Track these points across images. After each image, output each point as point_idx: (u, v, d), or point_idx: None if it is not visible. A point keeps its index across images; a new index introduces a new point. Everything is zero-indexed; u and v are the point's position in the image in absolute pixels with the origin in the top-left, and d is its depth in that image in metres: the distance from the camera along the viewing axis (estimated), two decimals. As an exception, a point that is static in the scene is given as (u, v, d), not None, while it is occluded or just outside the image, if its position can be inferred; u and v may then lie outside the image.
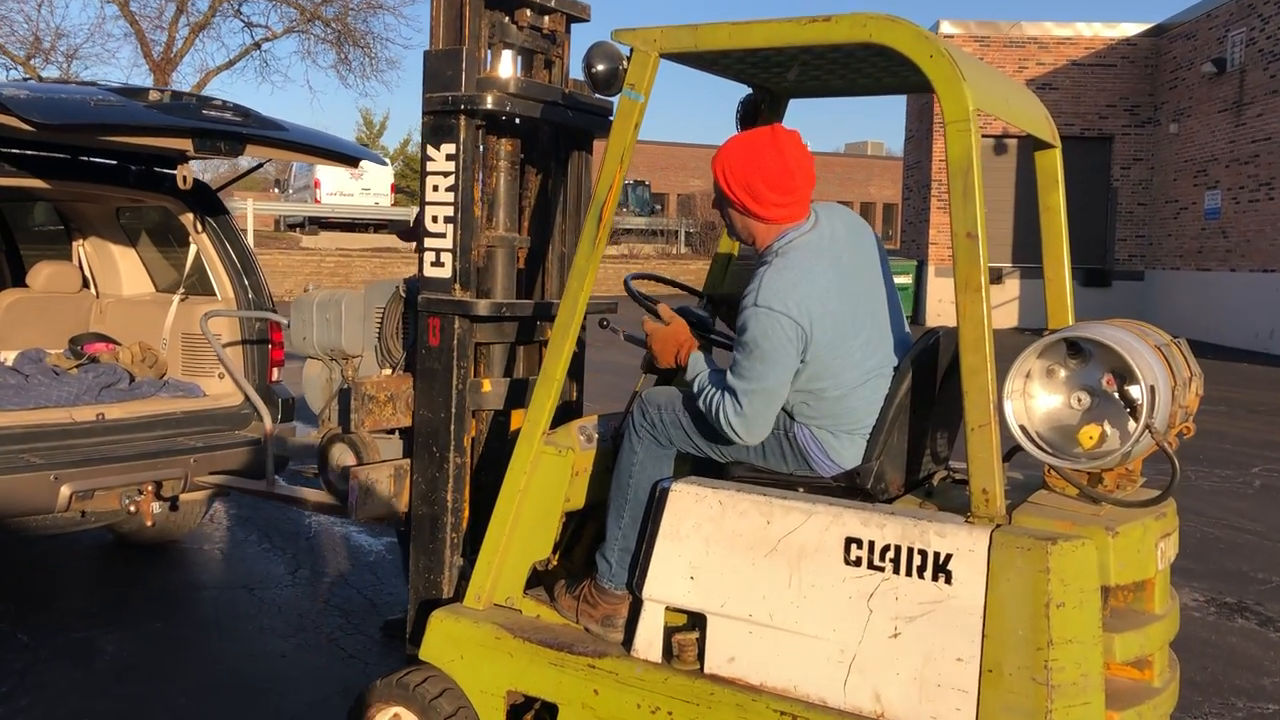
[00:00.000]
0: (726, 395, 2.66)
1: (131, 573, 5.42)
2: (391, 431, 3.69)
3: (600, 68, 2.93)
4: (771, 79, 3.34)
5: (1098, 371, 2.42)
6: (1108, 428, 2.41)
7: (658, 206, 36.89)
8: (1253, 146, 16.68)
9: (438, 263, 3.31)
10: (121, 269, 6.00)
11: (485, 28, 3.35)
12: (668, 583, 2.74)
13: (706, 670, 2.68)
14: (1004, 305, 19.72)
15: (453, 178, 3.27)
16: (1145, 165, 19.83)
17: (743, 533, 2.63)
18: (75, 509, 4.39)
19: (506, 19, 3.41)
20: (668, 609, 2.77)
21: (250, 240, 22.58)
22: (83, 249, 6.08)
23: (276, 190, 33.98)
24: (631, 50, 2.86)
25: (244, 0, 26.46)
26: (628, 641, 2.83)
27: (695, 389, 2.80)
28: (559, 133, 3.61)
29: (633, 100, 2.87)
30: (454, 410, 3.29)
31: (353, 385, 3.37)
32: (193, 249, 5.46)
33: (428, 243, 3.33)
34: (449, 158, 3.27)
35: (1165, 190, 19.38)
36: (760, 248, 2.78)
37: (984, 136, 16.28)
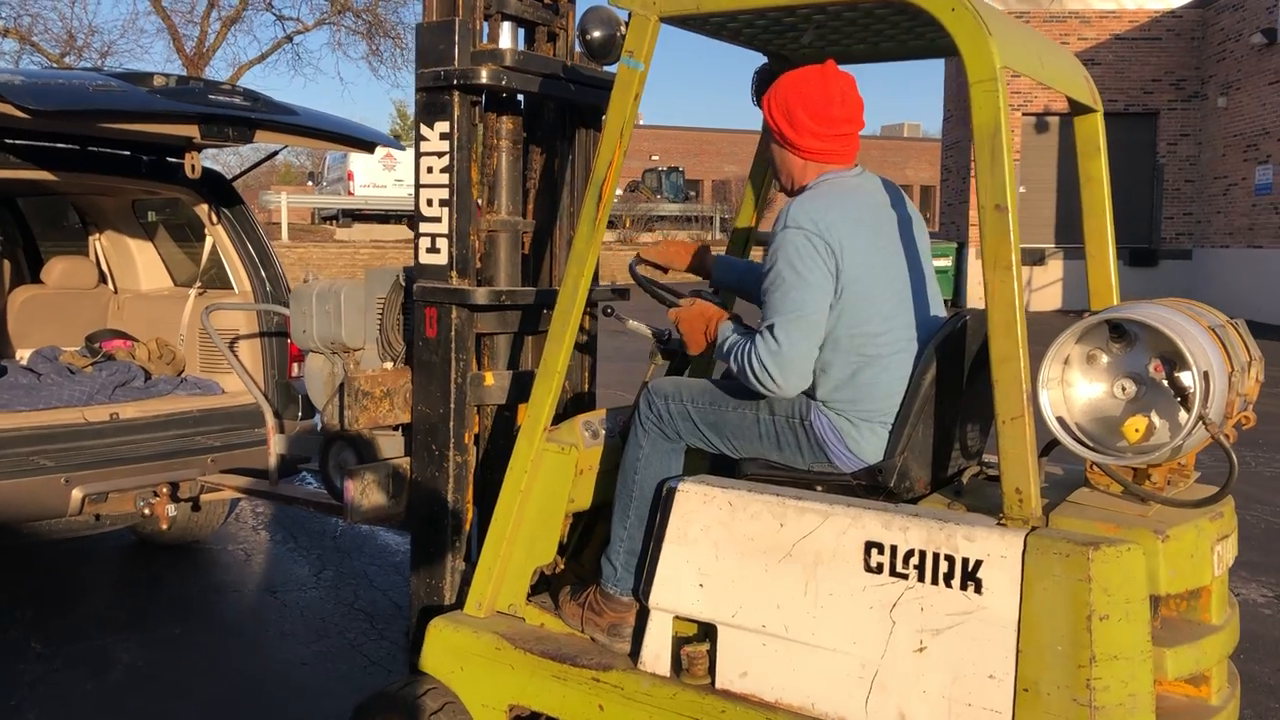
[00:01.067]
0: (759, 338, 2.45)
1: (152, 575, 5.28)
2: (396, 428, 3.51)
3: (596, 34, 2.72)
4: (787, 45, 3.11)
5: (1144, 357, 2.18)
6: (1156, 419, 2.17)
7: (692, 193, 36.61)
8: (1306, 119, 16.12)
9: (433, 249, 3.13)
10: (139, 263, 5.86)
11: (480, -2, 3.15)
12: (675, 590, 2.54)
13: (718, 685, 2.47)
14: (1047, 287, 19.27)
15: (447, 158, 3.08)
16: (1192, 141, 19.25)
17: (754, 536, 2.42)
18: (88, 512, 4.25)
19: (504, -11, 3.20)
20: (676, 618, 2.57)
21: (284, 234, 22.77)
22: (99, 244, 5.96)
23: (310, 183, 34.09)
24: (630, 14, 2.65)
25: (275, -6, 26.48)
26: (635, 653, 2.64)
27: (726, 352, 2.59)
28: (565, 109, 3.40)
29: (632, 69, 2.66)
30: (453, 405, 3.10)
31: (345, 380, 3.19)
32: (209, 241, 5.31)
33: (423, 228, 3.15)
34: (443, 136, 3.08)
35: (1213, 166, 18.81)
36: (794, 190, 2.60)
37: (1025, 114, 15.88)
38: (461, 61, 3.04)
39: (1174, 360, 2.12)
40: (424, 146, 3.12)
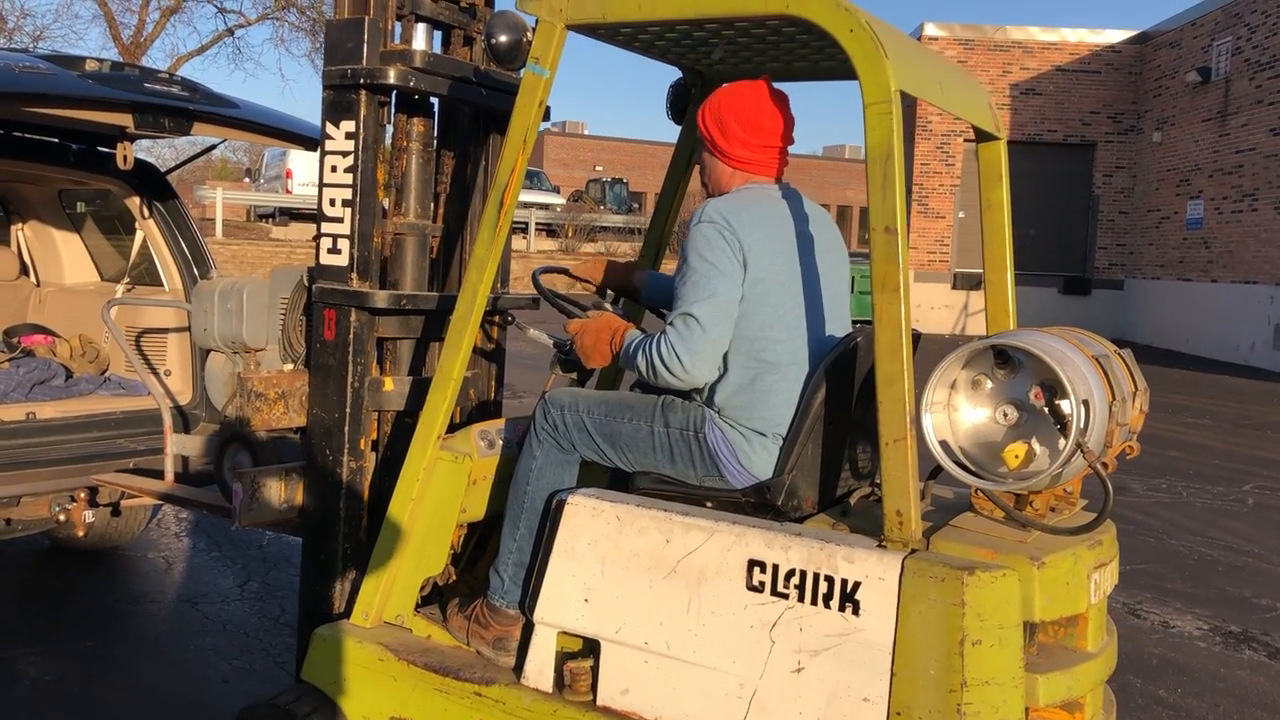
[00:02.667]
0: (668, 327, 2.44)
1: (65, 584, 5.03)
2: (297, 432, 3.43)
3: (502, 39, 2.69)
4: (701, 60, 3.10)
5: (1026, 384, 2.19)
6: (1036, 446, 2.17)
7: (635, 205, 36.68)
8: (1236, 157, 16.52)
9: (334, 250, 3.06)
10: (64, 256, 5.61)
11: (393, -2, 3.10)
12: (561, 604, 2.50)
13: (599, 702, 2.44)
14: (981, 312, 19.52)
15: (351, 158, 3.02)
16: (1127, 173, 19.67)
17: (641, 552, 2.39)
18: None
19: (420, -11, 3.16)
20: (561, 633, 2.53)
21: (219, 230, 22.34)
22: (22, 234, 5.70)
23: (248, 180, 33.59)
24: (536, 20, 2.62)
25: (218, -15, 26.07)
26: (519, 667, 2.59)
27: (632, 353, 2.55)
28: (479, 114, 3.36)
29: (537, 75, 2.63)
30: (348, 410, 3.04)
31: (238, 381, 3.12)
32: (139, 235, 5.10)
33: (324, 228, 3.08)
34: (348, 136, 3.02)
35: (1147, 199, 19.23)
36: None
37: (967, 140, 16.16)
38: (370, 61, 2.99)
39: (1054, 388, 2.13)
40: (328, 145, 3.06)
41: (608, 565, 2.43)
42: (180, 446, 3.78)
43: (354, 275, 3.03)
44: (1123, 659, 4.50)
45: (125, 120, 4.21)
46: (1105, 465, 2.20)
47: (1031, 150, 19.59)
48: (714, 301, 2.38)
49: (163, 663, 4.15)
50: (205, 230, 21.17)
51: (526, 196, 26.44)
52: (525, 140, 2.67)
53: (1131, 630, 4.88)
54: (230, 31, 26.41)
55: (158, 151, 26.91)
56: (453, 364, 2.76)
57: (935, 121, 19.42)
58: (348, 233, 3.03)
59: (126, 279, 5.29)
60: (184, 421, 4.45)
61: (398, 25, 3.15)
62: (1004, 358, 2.22)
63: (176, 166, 6.11)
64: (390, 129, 3.19)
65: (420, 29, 3.19)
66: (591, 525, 2.46)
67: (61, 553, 5.37)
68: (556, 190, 32.06)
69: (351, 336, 3.03)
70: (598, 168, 41.39)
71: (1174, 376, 14.81)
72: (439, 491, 2.79)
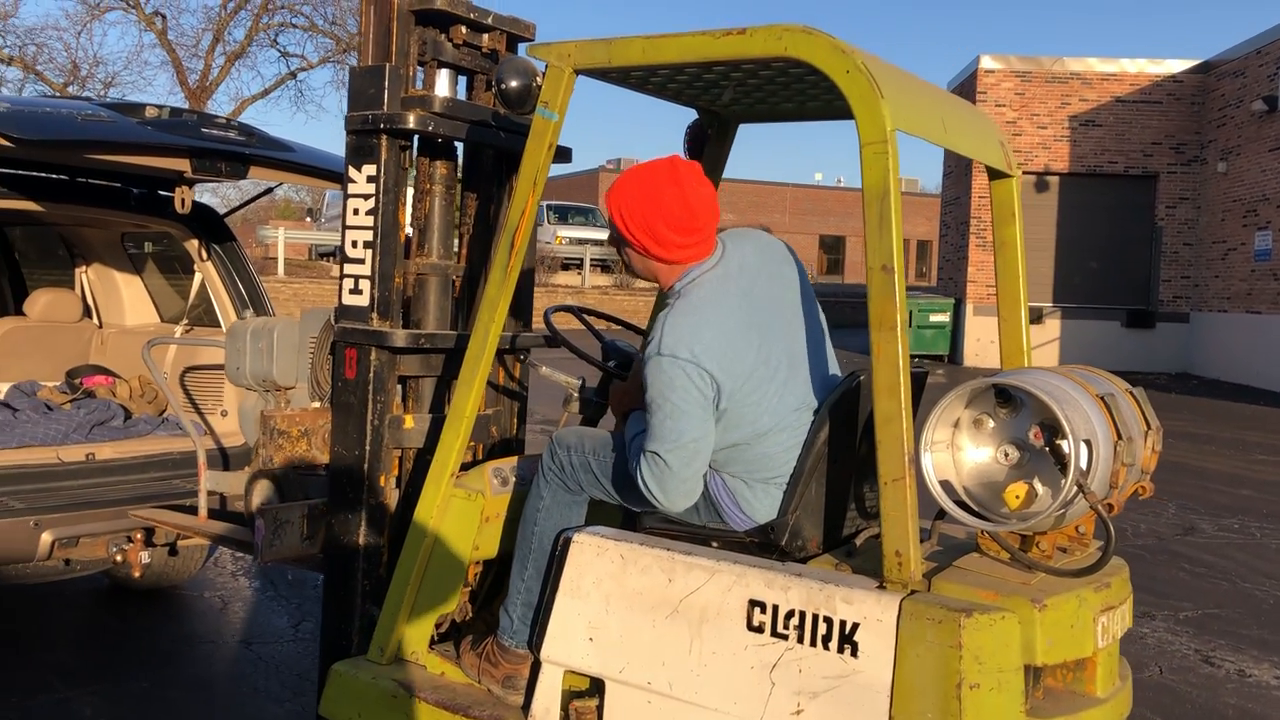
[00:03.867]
0: (643, 459, 2.41)
1: (123, 623, 5.06)
2: (324, 469, 3.49)
3: (513, 84, 2.74)
4: (715, 101, 3.13)
5: (1027, 423, 2.16)
6: (1038, 486, 2.14)
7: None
8: (1304, 186, 16.15)
9: (356, 290, 3.12)
10: (125, 298, 5.74)
11: (415, 44, 3.17)
12: (567, 643, 2.50)
13: (603, 742, 2.43)
14: (1044, 345, 19.24)
15: (372, 200, 3.08)
16: (1191, 204, 19.29)
17: (644, 591, 2.40)
18: (58, 557, 4.06)
19: (441, 36, 3.23)
20: (568, 672, 2.53)
21: (280, 269, 22.80)
22: (86, 276, 5.85)
23: (309, 219, 34.29)
24: (546, 66, 2.67)
25: (280, 30, 26.88)
26: (527, 706, 2.60)
27: (629, 449, 2.57)
28: (501, 156, 3.42)
29: (546, 119, 2.67)
30: (369, 447, 3.08)
31: (261, 419, 3.18)
32: (197, 277, 5.21)
33: (347, 269, 3.15)
34: (369, 179, 3.09)
35: (1212, 230, 18.83)
36: (664, 288, 2.55)
37: (1025, 173, 15.96)
38: (390, 106, 3.05)
39: (1054, 427, 2.10)
40: (351, 189, 3.12)
41: (612, 604, 2.43)
42: (215, 483, 3.86)
43: (374, 315, 3.09)
44: (1197, 709, 4.42)
45: (183, 165, 4.31)
46: (1110, 506, 2.15)
47: (1092, 182, 19.34)
48: (680, 444, 2.33)
49: (216, 705, 4.17)
50: (268, 269, 21.68)
51: (581, 233, 26.64)
52: (535, 183, 2.71)
53: (1206, 679, 4.75)
54: (293, 75, 27.16)
55: (223, 193, 27.66)
56: (465, 402, 2.79)
57: (992, 154, 19.23)
58: (369, 273, 3.09)
59: (185, 320, 5.37)
60: (223, 459, 4.53)
61: (420, 71, 3.23)
62: (1006, 396, 2.19)
63: (236, 208, 6.24)
64: (412, 172, 3.26)
65: (443, 75, 3.26)
66: (596, 564, 2.47)
67: (120, 592, 5.41)
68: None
69: (372, 375, 3.08)
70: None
71: (1243, 412, 14.42)
72: (453, 529, 2.82)
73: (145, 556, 4.14)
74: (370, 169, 3.09)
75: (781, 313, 2.49)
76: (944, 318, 19.56)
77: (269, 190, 6.15)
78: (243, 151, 4.43)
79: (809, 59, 2.25)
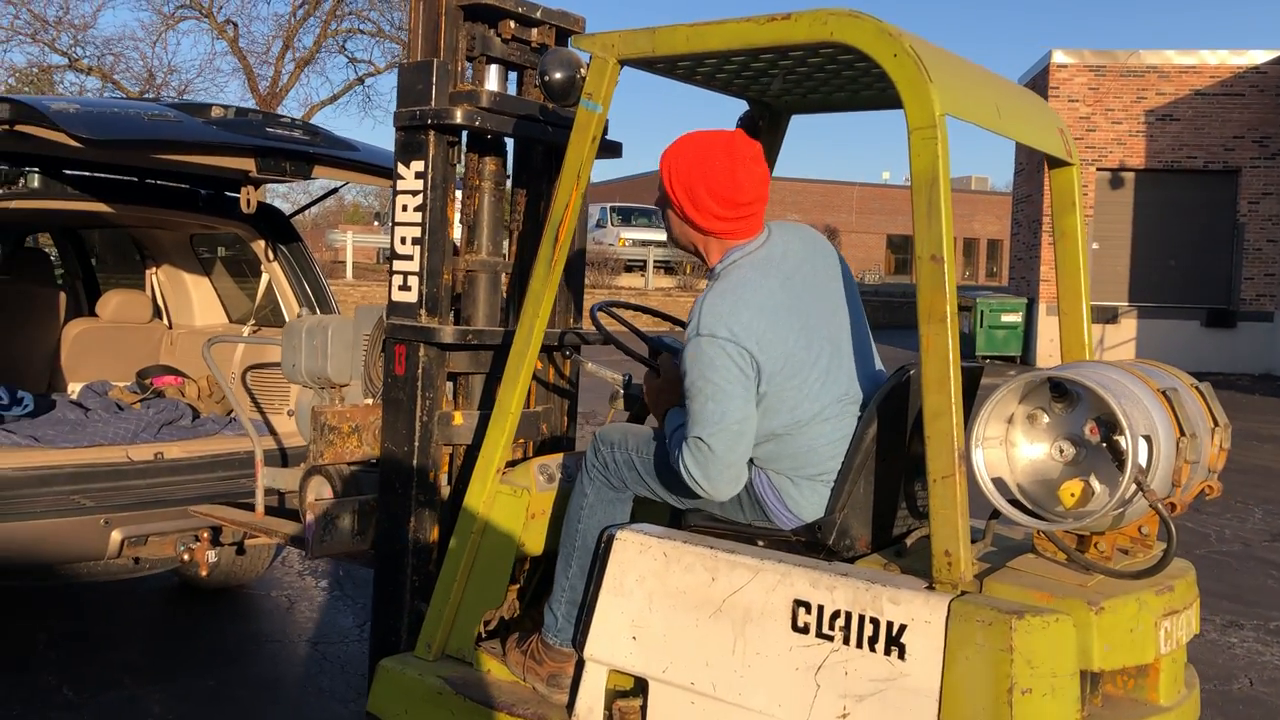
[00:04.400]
0: (685, 446, 2.35)
1: (191, 622, 5.11)
2: (376, 464, 3.50)
3: (556, 75, 2.72)
4: (765, 92, 3.07)
5: (1083, 418, 2.07)
6: (1095, 484, 2.05)
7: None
8: (1394, 179, 15.52)
9: (405, 287, 3.12)
10: (194, 299, 5.81)
11: (463, 40, 3.16)
12: (610, 642, 2.47)
13: (647, 743, 2.39)
14: (1121, 345, 18.77)
15: (421, 197, 3.08)
16: (1275, 200, 18.65)
17: (687, 590, 2.35)
18: (127, 555, 4.07)
19: (490, 31, 3.22)
20: (612, 671, 2.49)
21: (349, 272, 23.12)
22: (156, 277, 5.93)
23: (377, 223, 34.72)
24: (590, 57, 2.64)
25: (348, 37, 27.29)
26: (571, 705, 2.56)
27: (669, 441, 2.52)
28: (551, 152, 3.39)
29: (590, 111, 2.64)
30: (418, 443, 3.07)
31: (313, 415, 3.19)
32: (264, 278, 5.24)
33: (396, 265, 3.15)
34: (418, 175, 3.09)
35: (1298, 226, 18.22)
36: (708, 265, 2.51)
37: (1100, 169, 15.59)
38: (438, 102, 3.05)
39: (1111, 423, 2.01)
40: (400, 185, 3.12)
41: (655, 602, 2.39)
42: (271, 480, 3.89)
43: (423, 311, 3.08)
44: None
45: (248, 165, 4.31)
46: (1173, 506, 2.06)
47: (1170, 178, 18.81)
48: (724, 425, 2.27)
49: (282, 704, 4.18)
50: (336, 272, 21.99)
51: (645, 235, 26.61)
52: (579, 176, 2.68)
53: None
54: (360, 80, 27.52)
55: (293, 198, 28.12)
56: (510, 398, 2.77)
57: (1065, 150, 18.81)
58: (417, 270, 3.09)
59: (253, 320, 5.41)
60: (282, 457, 4.57)
61: (469, 67, 3.22)
62: (1061, 391, 2.11)
63: (303, 208, 6.29)
64: (460, 168, 3.25)
65: (492, 70, 3.25)
66: (639, 562, 2.43)
67: (188, 590, 5.46)
68: (675, 227, 32.11)
69: (420, 371, 3.07)
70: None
71: (1332, 414, 13.92)
72: (498, 525, 2.80)
73: (212, 555, 4.15)
74: (419, 165, 3.09)
75: (825, 302, 2.44)
76: (1016, 318, 19.16)
77: (334, 190, 6.16)
78: (307, 150, 4.42)
79: (855, 43, 2.18)
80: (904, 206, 41.78)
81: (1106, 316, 18.81)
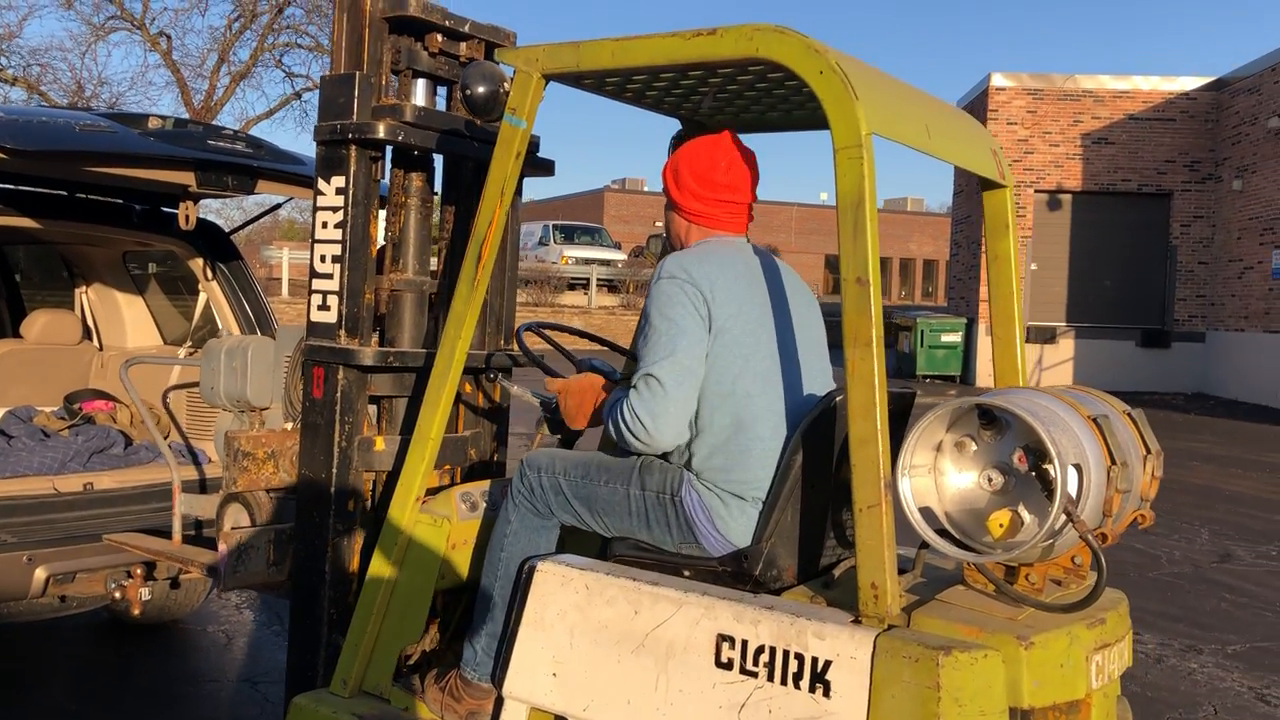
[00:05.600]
0: (632, 389, 2.32)
1: (123, 661, 4.84)
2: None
3: (479, 90, 2.64)
4: (697, 110, 3.01)
5: (1012, 446, 2.03)
6: (1025, 513, 2.00)
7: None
8: (1321, 204, 15.93)
9: (324, 306, 3.01)
10: (127, 319, 5.52)
11: (388, 53, 3.07)
12: (530, 679, 2.37)
13: (567, 784, 2.30)
14: (1059, 365, 19.04)
15: (341, 213, 2.97)
16: (1206, 222, 19.08)
17: (609, 624, 2.26)
18: (53, 594, 3.83)
19: (416, 44, 3.12)
20: (532, 710, 2.39)
21: (285, 289, 22.68)
22: (86, 297, 5.63)
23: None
24: (514, 71, 2.56)
25: (285, 51, 26.93)
26: (490, 743, 2.46)
27: (606, 415, 2.46)
28: (481, 168, 3.28)
29: (514, 126, 2.56)
30: (336, 470, 2.96)
31: (225, 440, 3.06)
32: (202, 297, 5.02)
33: (315, 284, 3.03)
34: (338, 191, 2.98)
35: (1228, 249, 18.62)
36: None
37: (1037, 191, 15.82)
38: (360, 115, 2.95)
39: (1040, 451, 1.96)
40: (320, 201, 3.02)
41: (576, 637, 2.30)
42: (189, 507, 3.74)
43: (342, 332, 2.97)
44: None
45: (188, 179, 4.12)
46: (1105, 536, 2.01)
47: (1105, 200, 19.17)
48: (675, 359, 2.27)
49: None
50: (272, 289, 21.65)
51: (588, 253, 26.58)
52: (503, 193, 2.60)
53: (1263, 719, 4.54)
54: (298, 95, 27.14)
55: (226, 213, 27.62)
56: (431, 423, 2.67)
57: (1004, 172, 19.09)
58: (336, 289, 2.98)
59: (189, 342, 5.18)
60: (201, 483, 4.40)
61: (395, 81, 3.13)
62: (990, 418, 2.06)
63: (244, 225, 6.08)
64: (381, 184, 3.14)
65: (419, 84, 3.15)
66: (561, 594, 2.34)
67: (119, 627, 5.19)
68: (618, 246, 32.14)
69: (339, 394, 2.96)
70: (658, 223, 41.66)
71: (1266, 433, 14.18)
72: (417, 556, 2.69)
73: (145, 593, 3.92)
74: (339, 180, 2.98)
75: (786, 317, 2.44)
76: (956, 338, 19.37)
77: (279, 205, 5.91)
78: (251, 164, 4.23)
79: (780, 59, 2.13)
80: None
81: (1045, 337, 19.08)
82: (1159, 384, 18.87)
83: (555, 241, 27.48)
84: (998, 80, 19.21)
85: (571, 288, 26.09)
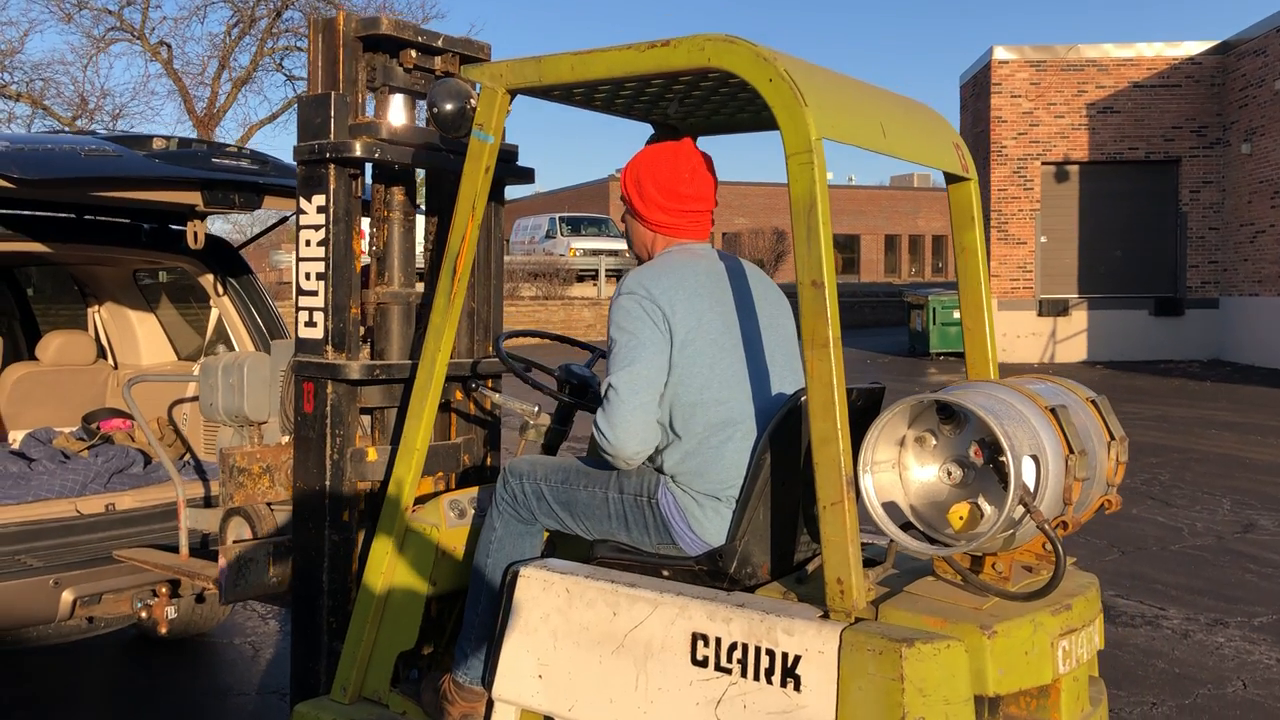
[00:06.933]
0: (601, 405, 2.39)
1: (151, 678, 4.86)
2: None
3: (446, 107, 2.69)
4: (668, 115, 3.06)
5: (970, 440, 2.07)
6: (985, 505, 2.05)
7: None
8: (1330, 165, 15.80)
9: (310, 323, 3.07)
10: (140, 337, 5.55)
11: (364, 71, 3.12)
12: (517, 681, 2.44)
13: (556, 782, 2.36)
14: (1072, 338, 18.98)
15: (323, 231, 3.04)
16: (1216, 188, 18.95)
17: (589, 625, 2.32)
18: (80, 616, 3.85)
19: (391, 61, 3.18)
20: (521, 710, 2.46)
21: (294, 294, 22.49)
22: (99, 316, 5.65)
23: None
24: (479, 87, 2.61)
25: (285, 54, 26.89)
26: (483, 745, 2.53)
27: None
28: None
29: (482, 141, 2.61)
30: (329, 482, 3.03)
31: (220, 456, 3.14)
32: (214, 313, 5.05)
33: (301, 301, 3.10)
34: (320, 210, 3.04)
35: (1239, 213, 18.49)
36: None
37: (1044, 163, 15.75)
38: (338, 135, 3.01)
39: (996, 444, 2.00)
40: (302, 220, 3.08)
41: (559, 640, 2.36)
42: (195, 522, 3.81)
43: (329, 347, 3.03)
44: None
45: (194, 198, 4.17)
46: (1066, 525, 2.06)
47: (1113, 170, 19.06)
48: (632, 369, 2.33)
49: None
50: (281, 294, 21.72)
51: (595, 244, 26.56)
52: (474, 207, 2.66)
53: None
54: (299, 98, 27.16)
55: (235, 219, 27.69)
56: (415, 434, 2.74)
57: (1010, 146, 19.02)
58: (322, 305, 3.05)
59: (203, 357, 5.25)
60: (207, 499, 4.46)
61: (371, 98, 3.18)
62: (949, 413, 2.10)
63: (252, 239, 6.08)
64: (364, 201, 3.20)
65: (396, 100, 3.21)
66: (543, 598, 2.40)
67: (145, 643, 5.22)
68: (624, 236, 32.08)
69: (330, 408, 3.02)
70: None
71: (1282, 398, 14.09)
72: (408, 564, 2.76)
73: (171, 611, 3.95)
74: (320, 199, 3.04)
75: (752, 319, 2.49)
76: (959, 314, 19.31)
77: (284, 219, 5.95)
78: (256, 180, 4.28)
79: (731, 68, 2.17)
80: (847, 206, 41.97)
81: (1057, 309, 19.02)
82: (1174, 352, 18.79)
83: (562, 234, 27.48)
84: (1000, 54, 19.11)
85: (580, 279, 26.10)
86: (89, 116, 24.22)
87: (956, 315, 19.22)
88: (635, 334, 2.35)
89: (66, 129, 23.35)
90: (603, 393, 2.37)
